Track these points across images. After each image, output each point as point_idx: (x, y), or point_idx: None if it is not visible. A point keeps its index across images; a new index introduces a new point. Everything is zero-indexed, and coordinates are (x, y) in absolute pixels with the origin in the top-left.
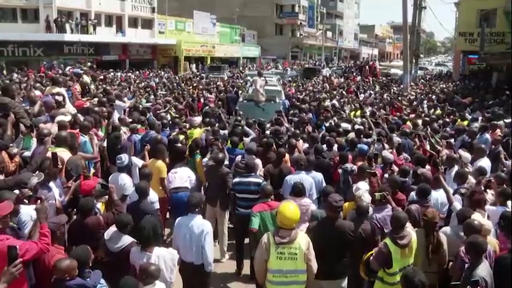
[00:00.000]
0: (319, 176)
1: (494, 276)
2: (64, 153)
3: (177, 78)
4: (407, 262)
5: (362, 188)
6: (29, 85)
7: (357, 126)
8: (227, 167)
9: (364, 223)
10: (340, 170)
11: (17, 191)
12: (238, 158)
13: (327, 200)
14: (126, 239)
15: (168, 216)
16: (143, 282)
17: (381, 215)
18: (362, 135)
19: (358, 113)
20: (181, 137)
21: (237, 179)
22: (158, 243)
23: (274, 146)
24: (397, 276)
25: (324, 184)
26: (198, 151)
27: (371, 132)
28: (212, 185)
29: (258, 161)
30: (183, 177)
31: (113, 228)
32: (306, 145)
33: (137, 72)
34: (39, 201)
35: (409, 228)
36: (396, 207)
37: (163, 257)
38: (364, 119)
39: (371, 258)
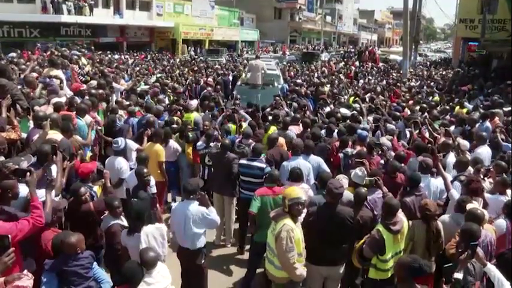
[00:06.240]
0: (317, 159)
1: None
2: (56, 135)
3: (177, 61)
4: (399, 248)
5: (359, 173)
6: (31, 67)
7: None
8: None
9: (363, 210)
10: (341, 155)
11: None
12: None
13: (327, 186)
14: (111, 220)
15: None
16: (146, 268)
17: (371, 197)
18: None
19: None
20: (176, 118)
21: (243, 161)
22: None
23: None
24: (389, 262)
25: (325, 167)
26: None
27: (361, 118)
28: (218, 172)
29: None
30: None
31: None
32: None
33: (135, 54)
34: (28, 173)
35: (401, 215)
36: (387, 192)
37: (152, 234)
38: (357, 105)
39: (364, 245)
